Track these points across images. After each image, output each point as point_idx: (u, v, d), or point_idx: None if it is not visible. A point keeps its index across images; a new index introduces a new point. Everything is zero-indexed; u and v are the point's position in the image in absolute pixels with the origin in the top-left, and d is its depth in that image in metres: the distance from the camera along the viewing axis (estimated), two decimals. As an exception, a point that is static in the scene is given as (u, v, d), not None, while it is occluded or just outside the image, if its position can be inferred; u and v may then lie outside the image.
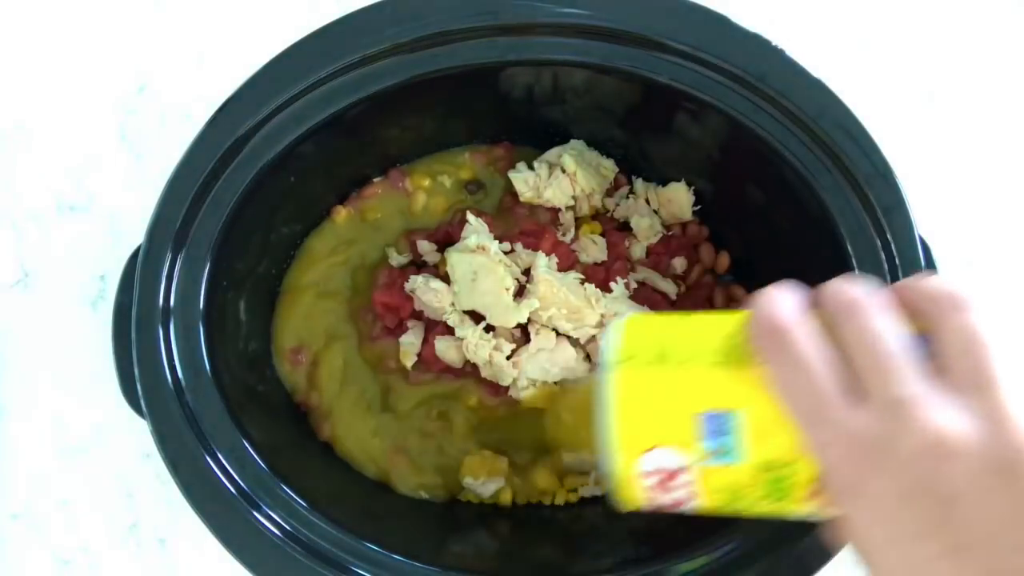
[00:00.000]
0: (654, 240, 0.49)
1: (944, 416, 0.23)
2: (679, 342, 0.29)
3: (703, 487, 0.29)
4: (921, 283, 0.26)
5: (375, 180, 0.50)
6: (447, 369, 0.47)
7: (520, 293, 0.46)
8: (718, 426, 0.28)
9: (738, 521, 0.38)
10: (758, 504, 0.29)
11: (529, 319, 0.45)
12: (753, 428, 0.27)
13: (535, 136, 0.50)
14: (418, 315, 0.48)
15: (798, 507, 0.28)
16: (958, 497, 0.23)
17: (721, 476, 0.28)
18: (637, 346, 0.30)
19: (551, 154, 0.49)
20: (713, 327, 0.29)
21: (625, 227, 0.50)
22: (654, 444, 0.29)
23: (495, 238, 0.47)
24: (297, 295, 0.48)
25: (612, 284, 0.47)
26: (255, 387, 0.45)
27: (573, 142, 0.49)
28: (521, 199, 0.49)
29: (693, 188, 0.48)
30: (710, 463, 0.28)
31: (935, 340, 0.25)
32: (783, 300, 0.27)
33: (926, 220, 0.40)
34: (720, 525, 0.38)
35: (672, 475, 0.29)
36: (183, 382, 0.39)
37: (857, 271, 0.39)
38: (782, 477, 0.27)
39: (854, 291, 0.26)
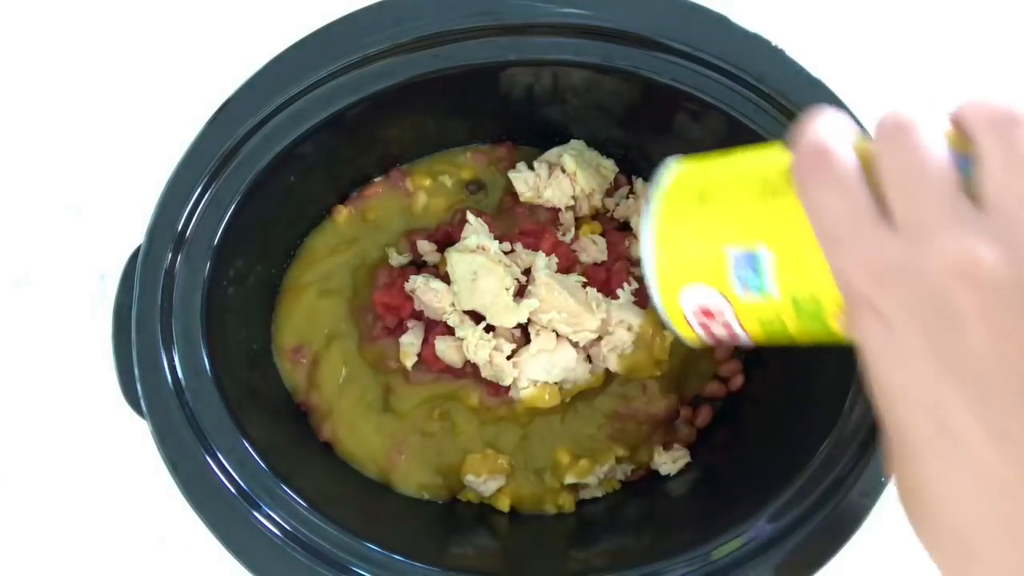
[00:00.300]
0: (654, 240, 0.49)
1: (967, 242, 0.23)
2: (720, 179, 0.30)
3: (743, 320, 0.30)
4: (981, 101, 0.25)
5: (376, 180, 0.50)
6: (447, 369, 0.47)
7: (520, 293, 0.46)
8: (747, 262, 0.28)
9: (738, 520, 0.38)
10: (801, 331, 0.29)
11: (529, 319, 0.46)
12: (780, 263, 0.28)
13: (535, 136, 0.50)
14: (418, 315, 0.48)
15: (836, 328, 0.29)
16: (967, 320, 0.23)
17: (756, 310, 0.29)
18: (680, 186, 0.31)
19: (551, 154, 0.49)
20: (756, 160, 0.30)
21: (625, 227, 0.50)
22: (689, 280, 0.30)
23: (495, 238, 0.47)
24: (298, 294, 0.48)
25: (619, 291, 0.47)
26: (255, 387, 0.45)
27: (573, 142, 0.49)
28: (521, 199, 0.49)
29: (693, 188, 0.48)
30: (743, 299, 0.29)
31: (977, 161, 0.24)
32: (830, 120, 0.26)
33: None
34: (721, 525, 0.39)
35: (711, 312, 0.30)
36: (183, 382, 0.39)
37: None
38: (814, 310, 0.28)
39: (904, 114, 0.25)
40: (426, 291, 0.46)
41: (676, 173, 0.31)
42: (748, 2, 0.54)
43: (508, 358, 0.46)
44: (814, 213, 0.26)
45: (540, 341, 0.46)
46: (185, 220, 0.40)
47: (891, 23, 0.55)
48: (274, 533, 0.38)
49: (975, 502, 0.24)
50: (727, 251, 0.29)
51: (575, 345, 0.46)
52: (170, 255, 0.40)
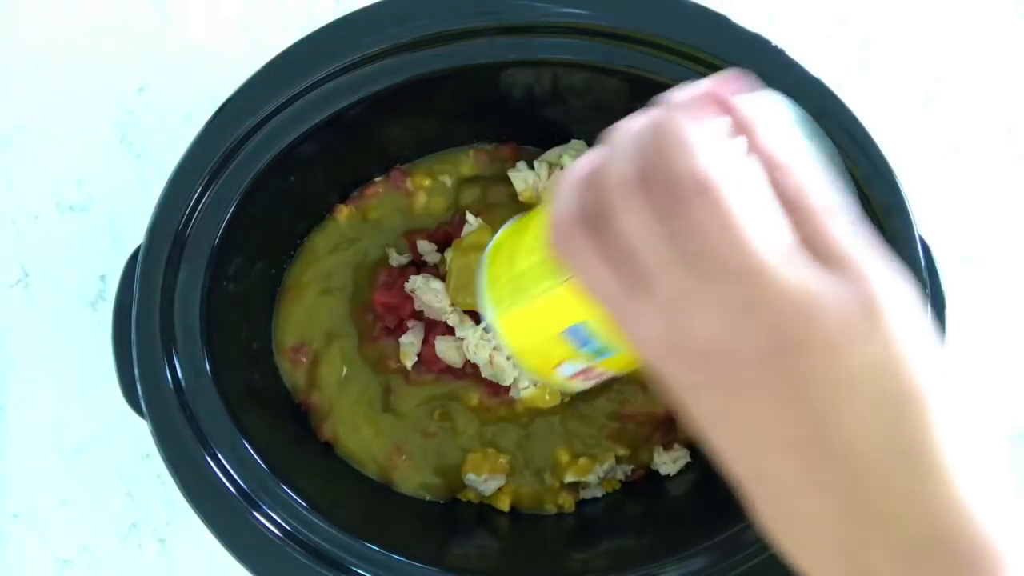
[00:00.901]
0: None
1: (709, 314, 0.24)
2: (524, 270, 0.31)
3: (614, 367, 0.32)
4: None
5: (376, 179, 0.50)
6: (447, 369, 0.47)
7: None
8: (581, 336, 0.30)
9: (738, 521, 0.38)
10: None
11: (529, 319, 0.46)
12: (603, 328, 0.29)
13: (536, 136, 0.50)
14: (418, 315, 0.48)
15: None
16: (745, 385, 0.24)
17: (617, 361, 0.31)
18: (498, 287, 0.33)
19: (551, 154, 0.49)
20: (539, 241, 0.31)
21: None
22: (554, 364, 0.32)
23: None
24: (299, 292, 0.48)
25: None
26: (255, 387, 0.45)
27: (574, 142, 0.49)
28: (520, 198, 0.49)
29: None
30: (598, 359, 0.31)
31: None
32: (564, 198, 0.26)
33: (926, 220, 0.41)
34: (721, 524, 0.39)
35: (585, 372, 0.33)
36: (183, 382, 0.39)
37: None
38: None
39: (613, 170, 0.25)
40: (426, 291, 0.46)
41: (490, 273, 0.33)
42: (748, 2, 0.54)
43: (508, 358, 0.46)
44: (588, 293, 0.26)
45: (540, 341, 0.46)
46: (185, 220, 0.40)
47: (891, 23, 0.55)
48: (274, 533, 0.38)
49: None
50: (561, 335, 0.31)
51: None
52: (170, 255, 0.40)
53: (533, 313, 0.31)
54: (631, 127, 0.26)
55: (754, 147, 0.24)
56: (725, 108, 0.25)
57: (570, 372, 0.33)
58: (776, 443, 0.24)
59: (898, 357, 0.23)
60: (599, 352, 0.31)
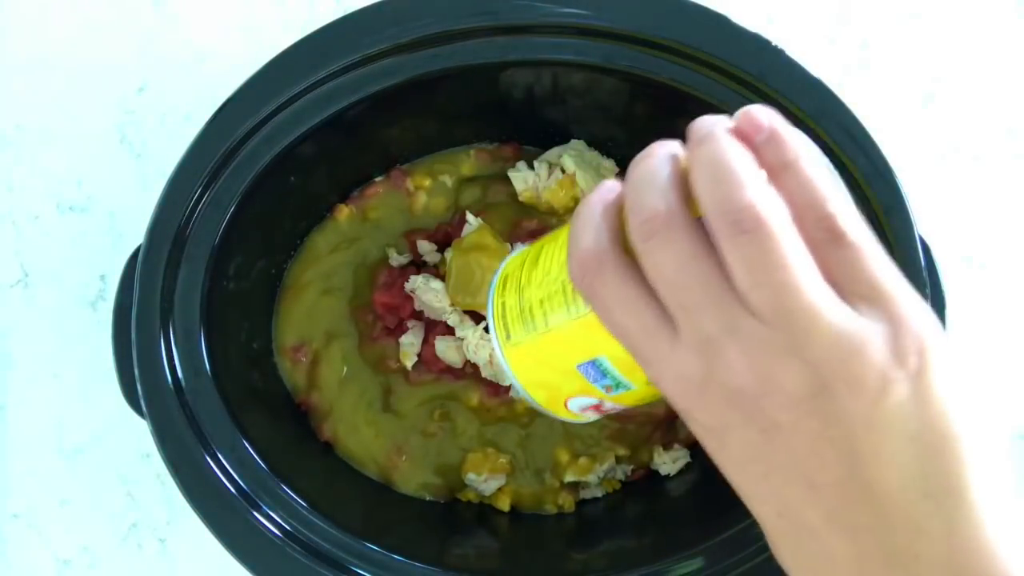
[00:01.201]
0: (654, 240, 0.49)
1: (762, 362, 0.23)
2: (536, 302, 0.30)
3: (623, 402, 0.31)
4: (715, 187, 0.24)
5: (377, 179, 0.50)
6: (447, 369, 0.47)
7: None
8: (597, 371, 0.29)
9: (738, 521, 0.38)
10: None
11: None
12: (622, 364, 0.28)
13: (536, 136, 0.50)
14: (418, 315, 0.48)
15: None
16: (783, 430, 0.23)
17: (629, 396, 0.30)
18: (507, 320, 0.32)
19: (551, 154, 0.49)
20: (556, 269, 0.30)
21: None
22: (564, 397, 0.31)
23: (495, 238, 0.47)
24: (299, 291, 0.48)
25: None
26: (256, 386, 0.45)
27: (573, 142, 0.49)
28: (520, 198, 0.49)
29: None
30: (613, 394, 0.30)
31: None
32: (588, 231, 0.26)
33: (926, 220, 0.40)
34: (721, 524, 0.39)
35: (595, 406, 0.31)
36: (183, 382, 0.39)
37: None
38: None
39: (658, 206, 0.24)
40: (426, 291, 0.46)
41: (497, 304, 0.32)
42: (748, 2, 0.54)
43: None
44: (611, 332, 0.26)
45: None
46: (185, 220, 0.40)
47: (891, 23, 0.55)
48: (274, 533, 0.38)
49: None
50: (575, 369, 0.29)
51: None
52: (170, 255, 0.40)
53: (546, 347, 0.30)
54: (659, 157, 0.25)
55: (784, 182, 0.24)
56: (751, 141, 0.25)
57: (582, 406, 0.32)
58: (807, 484, 0.24)
59: (935, 399, 0.23)
60: (615, 386, 0.29)
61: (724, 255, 0.23)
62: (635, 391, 0.29)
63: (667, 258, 0.24)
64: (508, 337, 0.31)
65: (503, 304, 0.32)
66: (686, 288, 0.24)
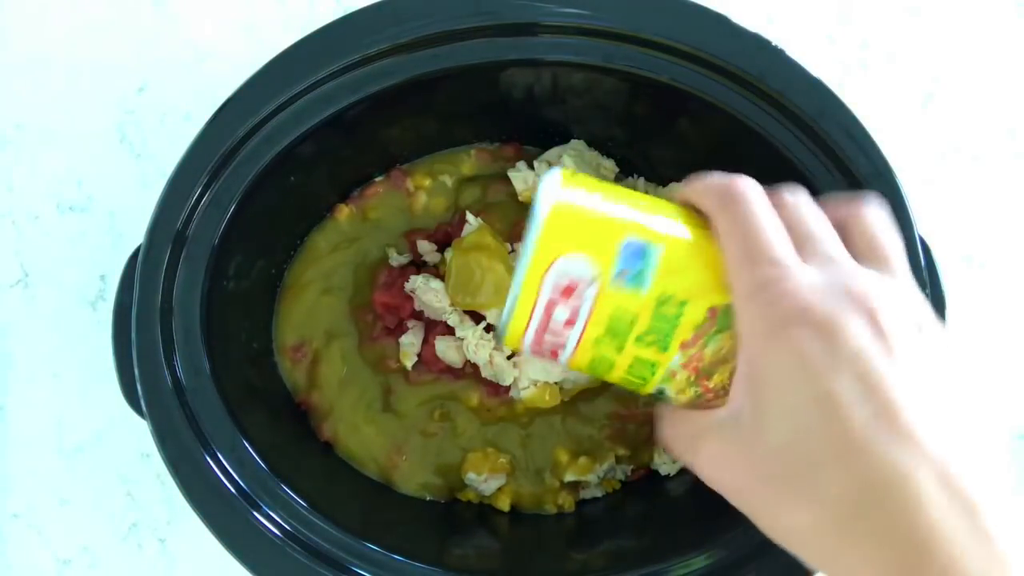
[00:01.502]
0: (654, 240, 0.49)
1: (864, 278, 0.29)
2: (623, 190, 0.32)
3: (595, 316, 0.31)
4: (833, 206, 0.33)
5: (377, 179, 0.50)
6: (447, 369, 0.47)
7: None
8: (637, 251, 0.30)
9: (738, 521, 0.38)
10: (630, 354, 0.31)
11: (529, 319, 0.45)
12: (667, 261, 0.30)
13: (536, 136, 0.50)
14: (418, 315, 0.48)
15: (666, 359, 0.31)
16: (881, 315, 0.28)
17: (616, 302, 0.30)
18: (586, 177, 0.33)
19: (551, 154, 0.49)
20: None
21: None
22: (576, 248, 0.30)
23: (495, 238, 0.47)
24: (300, 291, 0.48)
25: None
26: (256, 386, 0.45)
27: (573, 142, 0.49)
28: (520, 198, 0.49)
29: (693, 188, 0.48)
30: (612, 286, 0.30)
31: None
32: (740, 176, 0.31)
33: (926, 220, 0.41)
34: (721, 524, 0.38)
35: (571, 290, 0.30)
36: (183, 382, 0.39)
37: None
38: (673, 316, 0.30)
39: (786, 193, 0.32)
40: (426, 291, 0.46)
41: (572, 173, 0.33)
42: (748, 2, 0.54)
43: (508, 358, 0.46)
44: (736, 235, 0.30)
45: (540, 341, 0.46)
46: (185, 220, 0.40)
47: (891, 23, 0.55)
48: (274, 533, 0.38)
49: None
50: (623, 236, 0.30)
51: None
52: (170, 255, 0.40)
53: (623, 198, 0.32)
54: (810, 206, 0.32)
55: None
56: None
57: (562, 278, 0.30)
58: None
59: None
60: (629, 275, 0.30)
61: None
62: (633, 296, 0.30)
63: (809, 209, 0.32)
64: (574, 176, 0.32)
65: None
66: (821, 223, 0.31)
